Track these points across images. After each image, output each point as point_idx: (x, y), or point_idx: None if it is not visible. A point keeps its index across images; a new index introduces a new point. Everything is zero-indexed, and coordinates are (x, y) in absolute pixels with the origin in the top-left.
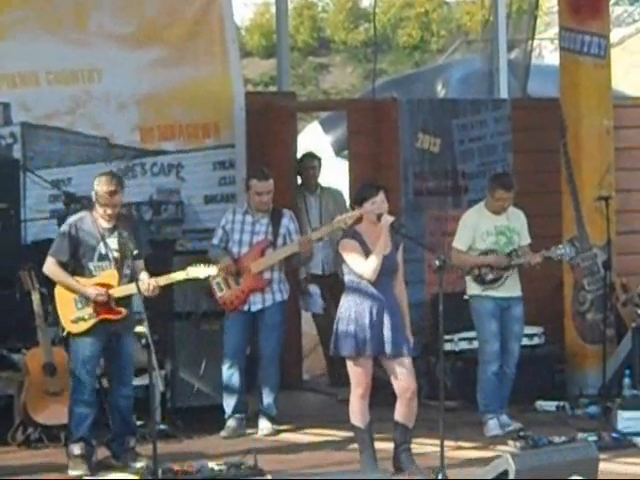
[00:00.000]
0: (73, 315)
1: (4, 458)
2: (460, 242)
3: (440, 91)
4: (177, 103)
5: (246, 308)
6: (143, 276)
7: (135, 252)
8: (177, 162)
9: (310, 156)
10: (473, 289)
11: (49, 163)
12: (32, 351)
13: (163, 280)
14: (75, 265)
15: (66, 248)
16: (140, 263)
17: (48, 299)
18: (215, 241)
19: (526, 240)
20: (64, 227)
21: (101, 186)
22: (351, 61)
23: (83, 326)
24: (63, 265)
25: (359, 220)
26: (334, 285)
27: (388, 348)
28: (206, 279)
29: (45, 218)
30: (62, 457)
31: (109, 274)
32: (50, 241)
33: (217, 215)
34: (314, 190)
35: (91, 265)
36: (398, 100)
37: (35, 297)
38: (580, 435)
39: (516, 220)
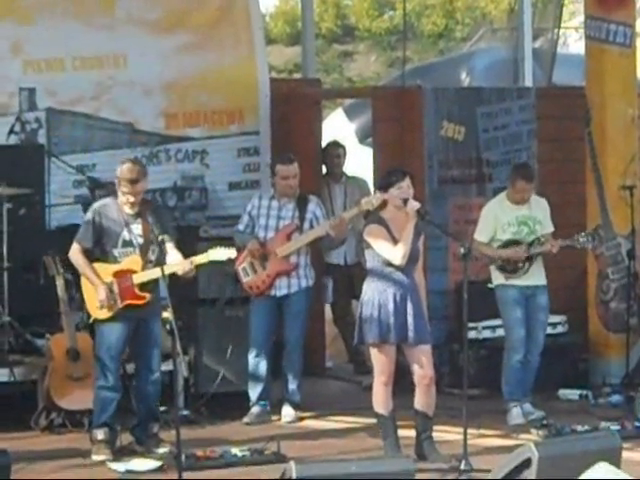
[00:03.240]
0: (98, 302)
1: (27, 443)
2: (481, 234)
3: (464, 79)
4: (202, 89)
5: (272, 293)
6: (176, 256)
7: (161, 237)
8: (201, 148)
9: (335, 145)
10: (497, 278)
11: (74, 148)
12: (56, 336)
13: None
14: (100, 251)
15: (90, 235)
16: (171, 245)
17: (72, 284)
18: (240, 227)
19: (549, 228)
20: (88, 214)
21: (123, 174)
22: (375, 49)
23: (108, 312)
24: (88, 251)
25: (384, 205)
26: (355, 276)
27: (411, 335)
28: (229, 263)
29: (69, 203)
30: (85, 442)
31: (132, 260)
32: (74, 226)
33: (241, 202)
34: (339, 179)
35: (115, 251)
36: (423, 88)
37: (59, 282)
38: (603, 424)
39: (538, 209)
